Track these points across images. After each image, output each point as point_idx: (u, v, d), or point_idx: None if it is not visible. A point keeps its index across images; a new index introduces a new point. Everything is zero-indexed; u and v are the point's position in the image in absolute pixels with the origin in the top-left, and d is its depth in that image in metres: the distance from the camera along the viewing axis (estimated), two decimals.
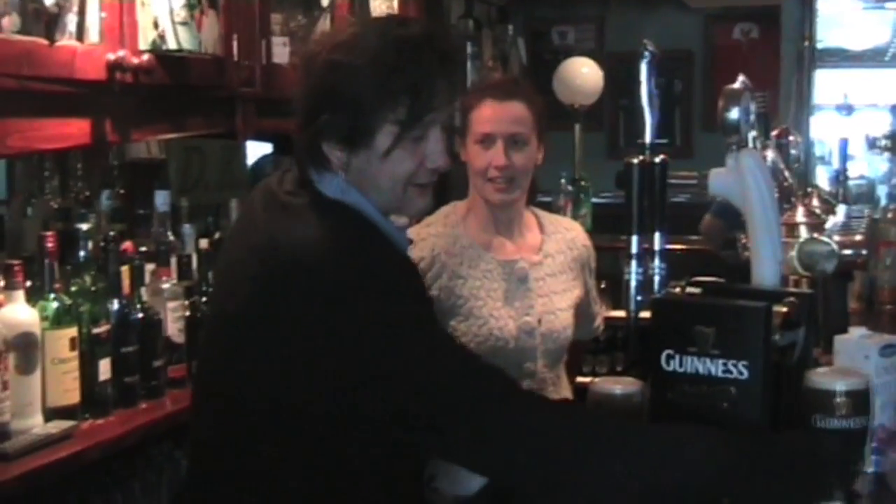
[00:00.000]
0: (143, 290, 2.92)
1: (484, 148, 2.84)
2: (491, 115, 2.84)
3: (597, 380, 2.39)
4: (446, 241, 2.88)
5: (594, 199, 6.07)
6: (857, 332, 2.46)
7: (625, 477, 1.84)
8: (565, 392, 3.01)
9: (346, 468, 1.96)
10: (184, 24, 2.91)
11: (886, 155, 4.64)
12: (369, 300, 1.87)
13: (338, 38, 2.01)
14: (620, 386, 2.29)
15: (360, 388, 1.86)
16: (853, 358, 2.36)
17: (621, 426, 1.99)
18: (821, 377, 2.09)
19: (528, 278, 2.89)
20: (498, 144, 2.83)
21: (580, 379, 5.88)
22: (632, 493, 1.84)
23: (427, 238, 2.89)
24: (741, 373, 2.09)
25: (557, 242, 3.00)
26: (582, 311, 3.02)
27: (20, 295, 2.52)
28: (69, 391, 2.61)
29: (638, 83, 2.36)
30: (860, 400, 2.05)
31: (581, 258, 3.05)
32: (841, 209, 3.12)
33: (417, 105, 1.97)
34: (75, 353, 2.62)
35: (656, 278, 2.33)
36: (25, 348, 2.50)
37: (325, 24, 3.71)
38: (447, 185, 2.94)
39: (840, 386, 2.05)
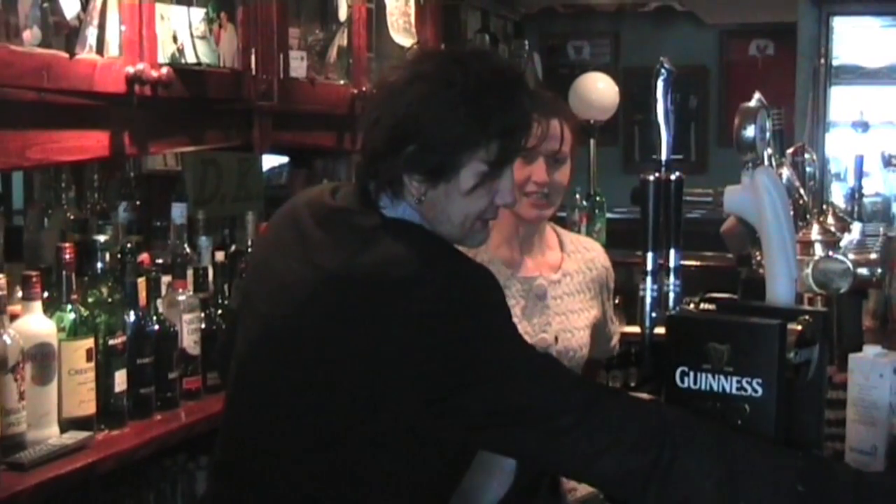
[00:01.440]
0: (159, 302, 2.94)
1: (525, 162, 2.82)
2: (535, 130, 2.83)
3: None
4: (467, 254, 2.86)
5: (609, 215, 6.06)
6: (871, 350, 2.46)
7: (710, 495, 1.89)
8: None
9: (390, 486, 1.96)
10: (202, 37, 2.93)
11: None
12: (468, 312, 1.89)
13: (425, 68, 1.97)
14: None
15: (459, 396, 1.85)
16: (868, 376, 2.36)
17: (720, 440, 1.96)
18: None
19: (547, 296, 2.88)
20: (539, 160, 2.82)
21: None
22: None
23: None
24: (755, 390, 2.09)
25: (577, 262, 2.99)
26: (598, 331, 3.02)
27: (37, 306, 2.53)
28: (85, 402, 2.62)
29: (653, 98, 2.37)
30: None
31: (600, 279, 3.04)
32: (856, 227, 3.11)
33: (510, 147, 1.99)
34: (91, 364, 2.63)
35: (671, 295, 2.33)
36: (42, 359, 2.52)
37: (342, 38, 3.73)
38: None
39: None
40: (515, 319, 2.79)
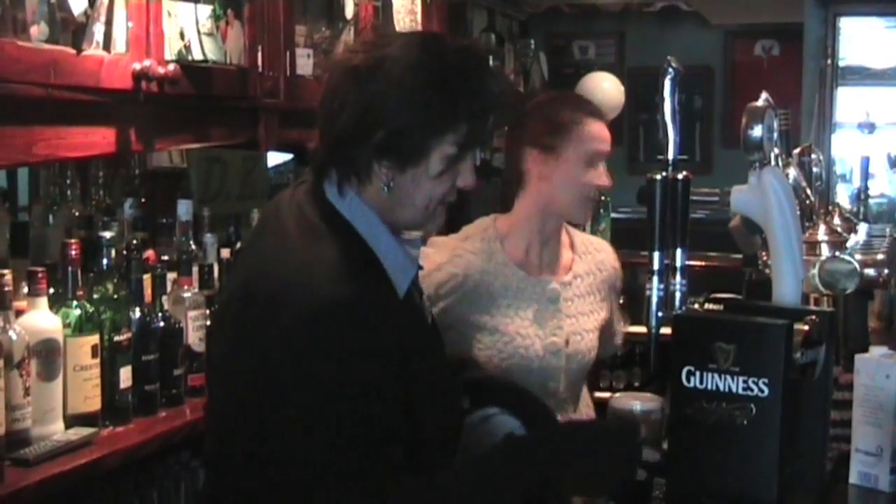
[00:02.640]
0: (164, 299, 2.94)
1: (589, 167, 2.81)
2: (603, 134, 2.83)
3: (617, 395, 2.40)
4: (482, 258, 2.84)
5: (613, 214, 6.06)
6: (877, 350, 2.46)
7: None
8: (585, 408, 3.00)
9: None
10: (209, 34, 2.93)
11: None
12: (312, 347, 1.84)
13: (390, 52, 1.93)
14: (640, 402, 2.29)
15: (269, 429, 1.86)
16: (874, 377, 2.36)
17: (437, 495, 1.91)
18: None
19: (559, 299, 2.88)
20: (602, 165, 2.83)
21: (598, 394, 5.89)
22: None
23: (463, 255, 2.83)
24: (761, 390, 2.10)
25: (588, 263, 2.99)
26: (605, 331, 3.02)
27: (43, 302, 2.53)
28: (90, 398, 2.62)
29: (658, 98, 2.37)
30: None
31: (609, 280, 3.04)
32: (862, 228, 3.11)
33: (479, 129, 1.97)
34: (97, 361, 2.63)
35: (677, 294, 2.34)
36: (47, 355, 2.52)
37: (349, 35, 3.73)
38: (469, 200, 2.93)
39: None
40: (526, 322, 2.81)
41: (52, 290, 2.59)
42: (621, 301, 6.12)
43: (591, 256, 3.00)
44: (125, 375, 2.72)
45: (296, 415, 1.83)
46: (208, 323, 3.04)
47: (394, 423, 1.87)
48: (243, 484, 1.93)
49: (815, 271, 2.65)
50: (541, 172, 2.83)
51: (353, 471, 1.81)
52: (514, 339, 2.80)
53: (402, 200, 1.97)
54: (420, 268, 2.08)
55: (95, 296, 2.70)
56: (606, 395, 5.91)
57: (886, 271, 2.76)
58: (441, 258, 2.81)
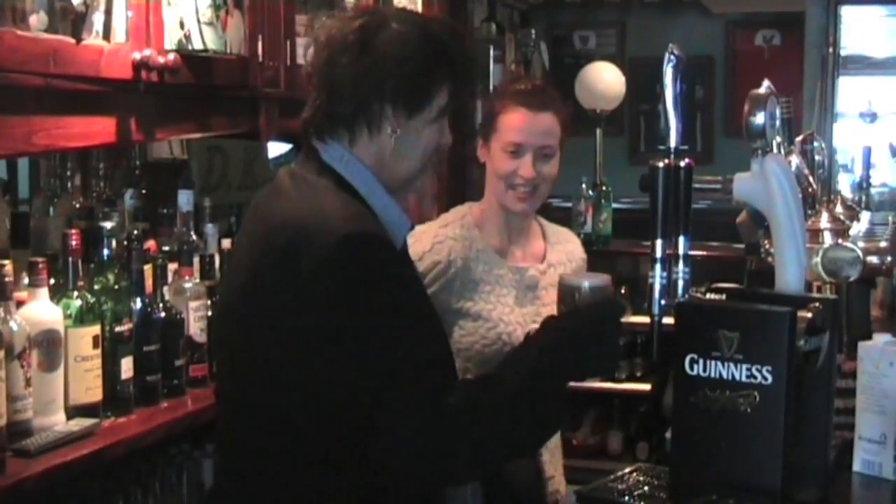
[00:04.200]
0: (165, 290, 2.93)
1: (512, 157, 2.83)
2: (524, 124, 2.82)
3: (564, 274, 2.63)
4: (462, 244, 2.87)
5: (615, 204, 6.06)
6: (881, 338, 2.46)
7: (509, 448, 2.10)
8: None
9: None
10: (209, 24, 2.92)
11: None
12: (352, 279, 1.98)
13: (385, 13, 2.23)
14: (588, 280, 2.32)
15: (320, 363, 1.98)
16: (877, 364, 2.36)
17: (493, 415, 2.02)
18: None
19: (537, 286, 2.90)
20: (527, 156, 2.82)
21: (598, 384, 5.90)
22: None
23: (444, 241, 2.88)
24: (765, 378, 2.09)
25: (559, 253, 3.01)
26: None
27: (44, 292, 2.52)
28: (91, 389, 2.61)
29: (660, 88, 2.36)
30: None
31: (578, 270, 3.05)
32: (865, 216, 3.10)
33: (464, 78, 2.18)
34: (98, 351, 2.63)
35: (680, 283, 2.33)
36: (48, 346, 2.51)
37: None
38: (465, 184, 2.94)
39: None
40: (507, 308, 2.82)
41: (52, 281, 2.58)
42: (622, 291, 6.15)
43: (561, 246, 3.03)
44: (126, 366, 2.72)
45: (340, 341, 1.96)
46: (210, 313, 3.04)
47: (431, 338, 2.07)
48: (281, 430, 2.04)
49: (818, 259, 2.65)
50: (485, 161, 2.90)
51: (408, 383, 1.94)
52: (498, 325, 2.82)
53: (401, 151, 2.14)
54: (412, 226, 2.25)
55: (96, 286, 2.70)
56: (608, 385, 5.96)
57: (889, 259, 2.75)
58: (422, 247, 2.84)
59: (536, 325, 2.81)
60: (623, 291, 6.02)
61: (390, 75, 2.09)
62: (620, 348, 2.23)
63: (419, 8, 4.14)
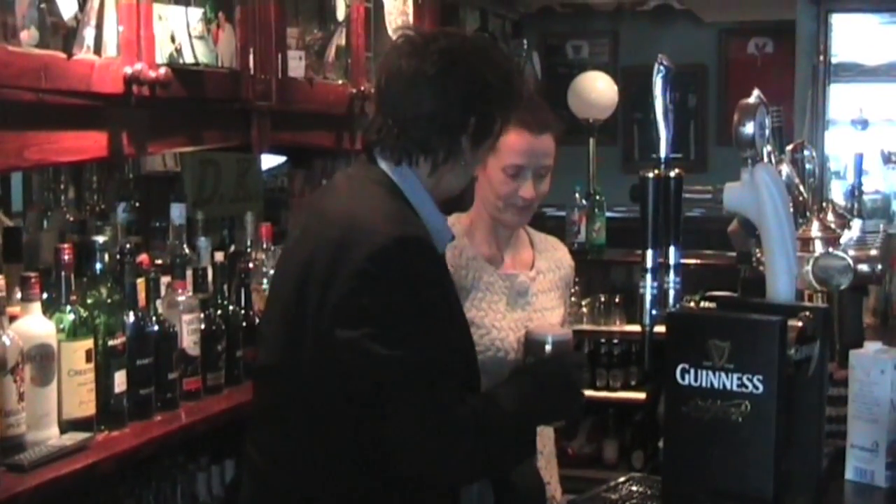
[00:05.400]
0: (158, 303, 2.93)
1: (512, 178, 2.83)
2: (525, 148, 2.82)
3: (531, 327, 2.70)
4: (453, 252, 2.88)
5: (608, 213, 6.07)
6: (872, 346, 2.46)
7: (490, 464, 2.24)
8: None
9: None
10: (200, 37, 2.93)
11: None
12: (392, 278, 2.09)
13: (472, 44, 2.30)
14: (551, 334, 2.52)
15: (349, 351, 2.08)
16: (869, 372, 2.36)
17: (478, 422, 2.14)
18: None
19: (528, 292, 2.91)
20: (528, 177, 2.83)
21: (594, 393, 5.91)
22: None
23: None
24: (756, 387, 2.10)
25: (547, 260, 3.02)
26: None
27: (36, 307, 2.52)
28: (85, 403, 2.61)
29: (652, 97, 2.37)
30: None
31: (566, 278, 3.07)
32: (856, 224, 3.11)
33: (517, 106, 2.35)
34: (91, 365, 2.63)
35: (671, 292, 2.33)
36: (41, 360, 2.51)
37: (340, 37, 3.72)
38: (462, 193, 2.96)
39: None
40: (499, 315, 2.84)
41: (45, 295, 2.58)
42: (616, 300, 6.15)
43: (549, 254, 3.04)
44: (120, 380, 2.72)
45: (375, 336, 2.06)
46: (202, 326, 3.04)
47: (457, 346, 2.22)
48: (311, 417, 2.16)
49: (808, 268, 2.65)
50: (479, 176, 2.88)
51: (427, 384, 2.07)
52: (490, 331, 2.82)
53: (460, 175, 2.31)
54: (452, 237, 2.42)
55: (89, 300, 2.70)
56: (603, 394, 5.97)
57: (880, 267, 2.76)
58: None
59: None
60: (617, 300, 6.05)
61: (474, 112, 2.22)
62: (584, 396, 2.42)
63: (410, 18, 4.14)
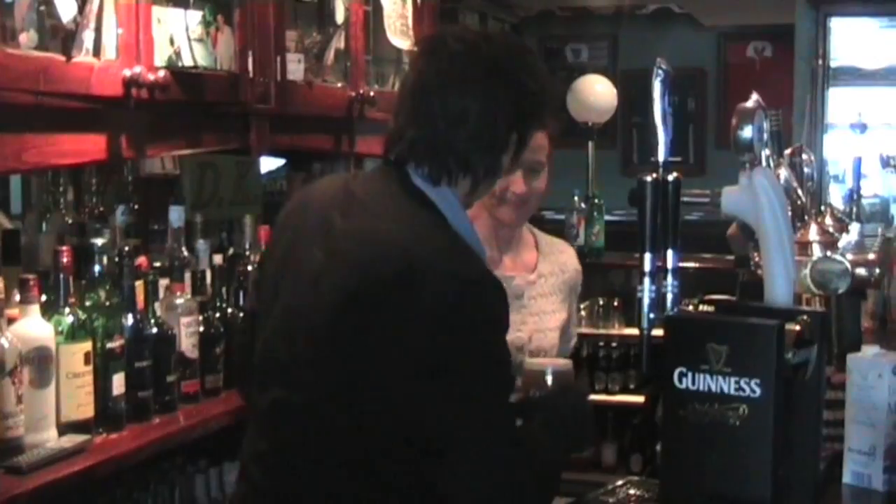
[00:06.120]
0: (157, 305, 2.93)
1: (504, 173, 2.84)
2: None
3: (529, 361, 2.63)
4: None
5: (607, 217, 6.07)
6: (870, 350, 2.46)
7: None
8: None
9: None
10: (199, 40, 2.94)
11: None
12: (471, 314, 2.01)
13: (526, 61, 2.18)
14: (552, 366, 2.47)
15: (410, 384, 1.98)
16: (866, 376, 2.36)
17: (529, 461, 2.11)
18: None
19: (524, 296, 2.91)
20: (518, 172, 2.83)
21: (593, 397, 5.90)
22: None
23: None
24: (753, 391, 2.09)
25: (552, 264, 3.02)
26: (563, 332, 3.04)
27: (35, 309, 2.53)
28: (83, 405, 2.62)
29: (651, 101, 2.37)
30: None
31: (571, 282, 3.06)
32: (854, 227, 3.11)
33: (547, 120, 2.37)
34: (89, 368, 2.63)
35: (669, 296, 2.33)
36: (40, 362, 2.51)
37: (339, 40, 3.73)
38: None
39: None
40: None
41: (44, 298, 2.59)
42: (615, 303, 6.14)
43: (554, 257, 3.04)
44: (118, 382, 2.72)
45: (440, 375, 1.97)
46: (201, 329, 3.04)
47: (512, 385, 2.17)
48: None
49: (806, 272, 2.65)
50: None
51: (496, 428, 2.03)
52: None
53: (491, 185, 2.26)
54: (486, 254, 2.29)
55: (88, 303, 2.70)
56: (601, 397, 5.96)
57: (878, 271, 2.76)
58: None
59: (521, 334, 2.84)
60: (616, 304, 6.05)
61: (518, 130, 2.16)
62: (594, 424, 2.44)
63: (409, 21, 4.14)
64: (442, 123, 2.09)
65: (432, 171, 2.11)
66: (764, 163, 2.56)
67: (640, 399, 5.98)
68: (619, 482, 2.56)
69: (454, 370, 1.98)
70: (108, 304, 2.73)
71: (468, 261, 2.05)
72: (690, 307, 2.39)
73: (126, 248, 2.88)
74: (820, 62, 6.39)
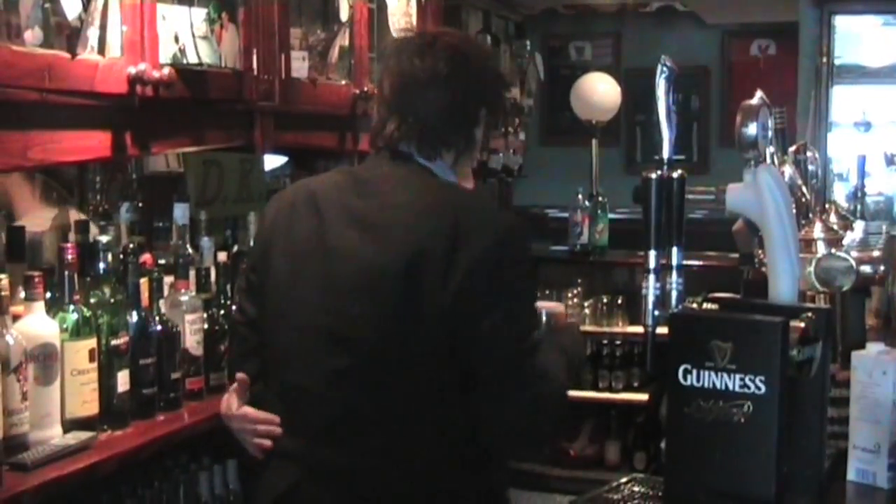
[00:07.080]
0: (161, 303, 2.94)
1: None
2: None
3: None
4: None
5: (611, 215, 6.07)
6: (874, 347, 2.46)
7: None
8: None
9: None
10: (204, 38, 2.93)
11: None
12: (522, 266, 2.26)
13: (479, 47, 2.61)
14: (545, 309, 2.47)
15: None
16: (871, 374, 2.36)
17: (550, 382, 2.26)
18: None
19: None
20: None
21: (597, 394, 5.92)
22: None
23: None
24: (758, 388, 2.10)
25: None
26: None
27: (40, 306, 2.53)
28: (88, 402, 2.62)
29: (655, 98, 2.37)
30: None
31: None
32: (859, 225, 3.11)
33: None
34: (94, 365, 2.63)
35: (674, 293, 2.34)
36: (45, 359, 2.52)
37: (344, 37, 3.73)
38: None
39: None
40: None
41: (48, 295, 2.59)
42: (619, 301, 6.14)
43: None
44: (123, 379, 2.72)
45: (510, 316, 2.19)
46: (205, 326, 3.04)
47: None
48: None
49: (811, 269, 2.65)
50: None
51: (531, 352, 2.20)
52: None
53: (471, 161, 2.46)
54: None
55: (92, 300, 2.70)
56: (605, 395, 5.97)
57: (882, 268, 2.76)
58: None
59: None
60: (620, 301, 6.05)
61: (485, 104, 2.39)
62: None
63: (413, 19, 4.15)
64: (422, 111, 2.32)
65: (422, 149, 2.33)
66: (768, 160, 2.56)
67: (644, 397, 5.98)
68: (624, 479, 2.56)
69: (513, 305, 2.19)
70: (112, 301, 2.73)
71: (499, 212, 2.36)
72: (694, 305, 2.40)
73: (131, 246, 2.88)
74: (824, 60, 6.38)
